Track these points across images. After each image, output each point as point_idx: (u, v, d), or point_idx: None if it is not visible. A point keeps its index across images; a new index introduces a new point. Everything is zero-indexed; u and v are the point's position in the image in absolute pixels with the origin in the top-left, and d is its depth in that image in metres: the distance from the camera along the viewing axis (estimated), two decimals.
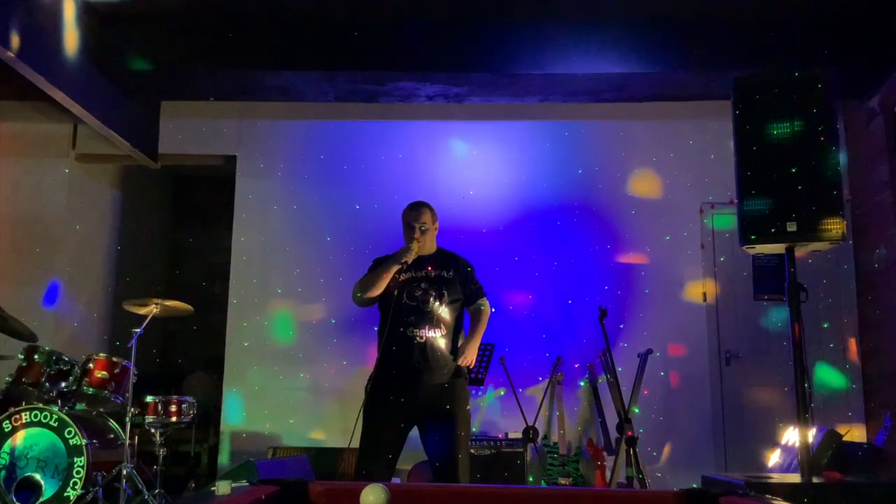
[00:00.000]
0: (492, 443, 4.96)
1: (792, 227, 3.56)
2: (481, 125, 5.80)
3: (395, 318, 3.52)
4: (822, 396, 5.24)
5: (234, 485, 2.07)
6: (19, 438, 4.07)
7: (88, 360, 4.43)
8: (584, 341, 5.30)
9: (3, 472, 4.03)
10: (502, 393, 5.37)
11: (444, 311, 3.56)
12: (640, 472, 4.22)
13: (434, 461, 3.48)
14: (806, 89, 3.65)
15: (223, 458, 5.47)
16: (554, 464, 5.09)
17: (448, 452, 3.42)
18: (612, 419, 5.06)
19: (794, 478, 3.67)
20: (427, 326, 3.51)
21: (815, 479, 3.53)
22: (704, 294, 5.54)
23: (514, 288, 5.47)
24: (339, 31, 5.10)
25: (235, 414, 5.51)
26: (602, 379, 5.31)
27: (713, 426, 5.39)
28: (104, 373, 4.38)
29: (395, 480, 3.99)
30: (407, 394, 3.46)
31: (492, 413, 5.43)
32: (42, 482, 4.02)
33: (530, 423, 4.99)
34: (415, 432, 3.54)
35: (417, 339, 3.50)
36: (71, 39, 4.69)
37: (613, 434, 5.02)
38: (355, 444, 3.49)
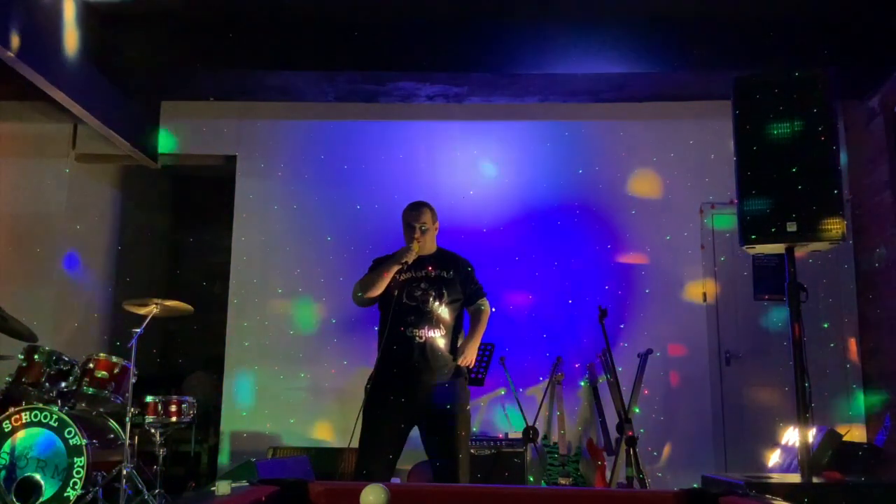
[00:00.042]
0: (492, 443, 4.96)
1: (792, 227, 3.56)
2: (481, 125, 5.80)
3: (395, 318, 3.52)
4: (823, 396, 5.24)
5: (234, 485, 2.07)
6: (19, 438, 4.07)
7: (88, 360, 4.43)
8: (584, 341, 5.30)
9: (3, 472, 4.03)
10: (502, 393, 5.37)
11: (443, 311, 3.56)
12: (640, 472, 4.23)
13: (434, 461, 3.48)
14: (806, 89, 3.65)
15: (223, 458, 5.47)
16: (554, 464, 5.09)
17: (448, 452, 3.42)
18: (612, 419, 5.06)
19: (794, 478, 3.67)
20: (427, 326, 3.51)
21: (815, 479, 3.53)
22: (704, 294, 5.54)
23: (514, 288, 5.48)
24: (339, 31, 5.10)
25: (235, 414, 5.51)
26: (602, 379, 5.31)
27: (713, 426, 5.39)
28: (104, 373, 4.38)
29: (395, 480, 4.00)
30: (407, 394, 3.47)
31: (492, 414, 5.43)
32: (42, 482, 4.02)
33: (530, 423, 4.99)
34: (415, 432, 3.54)
35: (417, 338, 3.50)
36: (71, 39, 4.69)
37: (613, 434, 5.02)
38: (355, 444, 3.49)
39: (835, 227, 3.53)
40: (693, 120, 5.67)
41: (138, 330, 4.21)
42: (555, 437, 5.24)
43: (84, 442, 4.05)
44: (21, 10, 4.18)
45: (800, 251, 3.73)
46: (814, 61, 4.61)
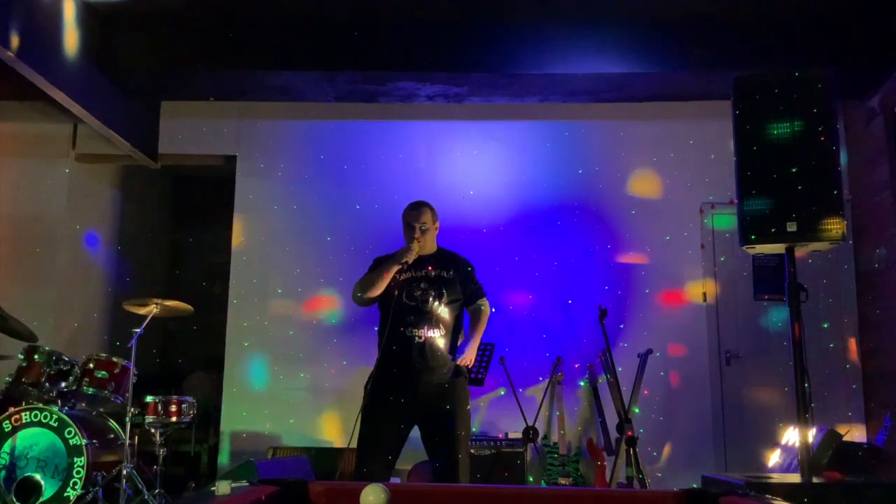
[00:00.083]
0: (492, 443, 4.96)
1: (792, 227, 3.56)
2: (481, 125, 5.80)
3: (395, 318, 3.52)
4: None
5: (234, 485, 2.07)
6: (19, 438, 4.07)
7: (88, 360, 4.43)
8: (584, 341, 5.30)
9: (3, 472, 4.03)
10: (502, 393, 5.37)
11: (443, 311, 3.56)
12: (640, 472, 4.23)
13: (434, 461, 3.48)
14: (806, 89, 3.65)
15: (223, 458, 5.47)
16: (554, 464, 5.09)
17: (448, 452, 3.41)
18: (612, 419, 5.06)
19: (794, 478, 3.67)
20: (426, 326, 3.51)
21: (815, 479, 3.53)
22: (704, 294, 5.54)
23: (514, 288, 5.48)
24: (339, 31, 5.11)
25: (235, 414, 5.51)
26: (602, 379, 5.31)
27: (713, 426, 5.38)
28: (104, 373, 4.38)
29: (395, 480, 4.00)
30: (407, 394, 3.46)
31: (492, 413, 5.43)
32: (42, 482, 4.02)
33: (530, 423, 4.99)
34: (415, 432, 3.54)
35: (417, 338, 3.49)
36: (71, 39, 4.69)
37: (613, 434, 5.02)
38: (355, 444, 3.49)
39: (835, 227, 3.53)
40: (693, 120, 5.67)
41: (138, 330, 4.21)
42: (555, 437, 5.24)
43: (84, 442, 4.05)
44: (21, 10, 4.18)
45: (800, 251, 3.73)
46: (814, 61, 4.61)
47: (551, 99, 5.59)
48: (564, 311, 5.47)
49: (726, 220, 5.49)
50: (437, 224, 3.73)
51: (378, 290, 3.56)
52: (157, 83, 5.58)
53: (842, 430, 4.74)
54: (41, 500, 3.99)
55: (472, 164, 5.75)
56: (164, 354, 7.00)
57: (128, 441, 4.10)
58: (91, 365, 4.39)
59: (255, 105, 5.85)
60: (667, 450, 5.35)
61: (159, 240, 7.42)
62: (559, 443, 5.16)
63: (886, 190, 5.09)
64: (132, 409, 4.18)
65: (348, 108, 5.77)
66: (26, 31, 4.18)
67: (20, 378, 4.28)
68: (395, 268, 3.55)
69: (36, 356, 4.31)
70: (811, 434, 3.72)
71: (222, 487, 2.02)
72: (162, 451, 4.29)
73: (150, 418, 4.29)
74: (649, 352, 5.20)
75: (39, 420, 4.08)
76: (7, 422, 4.08)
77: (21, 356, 4.34)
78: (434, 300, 3.54)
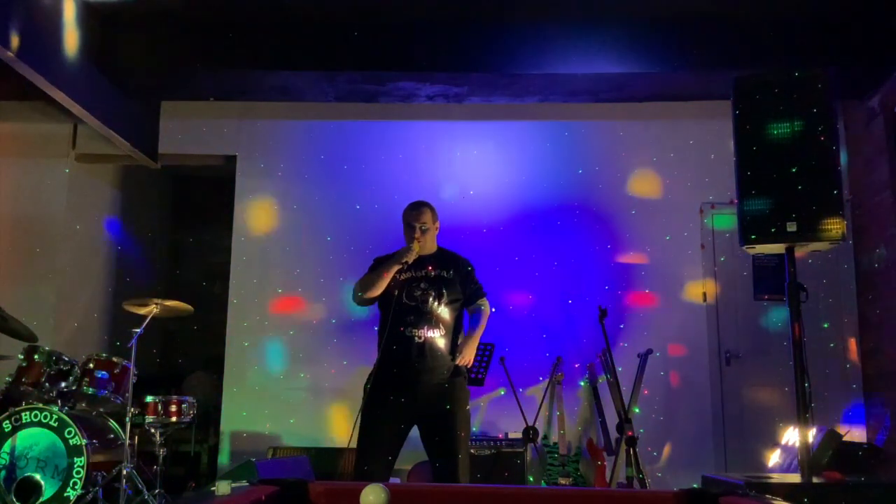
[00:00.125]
0: (492, 443, 4.96)
1: (792, 227, 3.56)
2: (481, 125, 5.80)
3: (395, 318, 3.52)
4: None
5: (234, 485, 2.07)
6: (19, 438, 4.07)
7: (88, 360, 4.43)
8: (584, 341, 5.30)
9: (3, 472, 4.03)
10: (502, 393, 5.37)
11: (443, 311, 3.56)
12: (640, 472, 4.23)
13: (434, 461, 3.48)
14: (806, 89, 3.65)
15: (223, 458, 5.47)
16: (554, 464, 5.09)
17: (448, 452, 3.41)
18: (612, 419, 5.06)
19: (794, 478, 3.67)
20: (426, 326, 3.51)
21: (815, 479, 3.53)
22: (704, 294, 5.54)
23: (514, 288, 5.48)
24: (339, 31, 5.10)
25: (235, 414, 5.51)
26: (602, 379, 5.31)
27: (713, 426, 5.38)
28: (104, 373, 4.38)
29: (395, 480, 4.00)
30: (406, 394, 3.46)
31: (492, 413, 5.43)
32: (42, 482, 4.01)
33: (530, 423, 4.99)
34: (415, 432, 3.54)
35: (417, 338, 3.49)
36: (71, 39, 4.69)
37: (613, 434, 5.02)
38: (355, 444, 3.49)
39: (835, 227, 3.53)
40: (693, 120, 5.67)
41: (138, 330, 4.21)
42: (555, 437, 5.24)
43: (84, 442, 4.05)
44: (21, 10, 4.18)
45: (800, 251, 3.73)
46: (814, 61, 4.60)
47: (551, 99, 5.59)
48: (564, 311, 5.47)
49: (726, 220, 5.49)
50: (438, 224, 3.72)
51: (378, 290, 3.56)
52: (157, 83, 5.58)
53: (842, 430, 4.74)
54: (41, 500, 3.99)
55: (472, 164, 5.75)
56: (164, 354, 7.00)
57: (128, 441, 4.10)
58: (91, 365, 4.39)
59: (255, 105, 5.85)
60: (667, 450, 5.35)
61: (159, 240, 7.42)
62: (559, 443, 5.16)
63: (886, 190, 5.10)
64: (132, 409, 4.18)
65: (348, 108, 5.77)
66: (26, 31, 4.18)
67: (20, 378, 4.27)
68: (396, 268, 3.54)
69: (36, 356, 4.30)
70: (811, 434, 3.72)
71: (222, 487, 2.02)
72: (162, 451, 4.29)
73: (150, 418, 4.30)
74: (649, 352, 5.20)
75: (39, 420, 4.08)
76: (7, 422, 4.08)
77: (21, 356, 4.34)
78: (434, 300, 3.54)
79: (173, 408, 4.33)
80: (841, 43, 4.97)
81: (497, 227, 5.60)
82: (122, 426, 4.20)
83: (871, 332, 5.30)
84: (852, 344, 5.43)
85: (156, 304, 4.35)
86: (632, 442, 4.18)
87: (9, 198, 5.71)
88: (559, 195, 5.65)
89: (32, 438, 4.08)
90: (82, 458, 4.03)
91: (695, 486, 3.65)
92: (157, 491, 4.12)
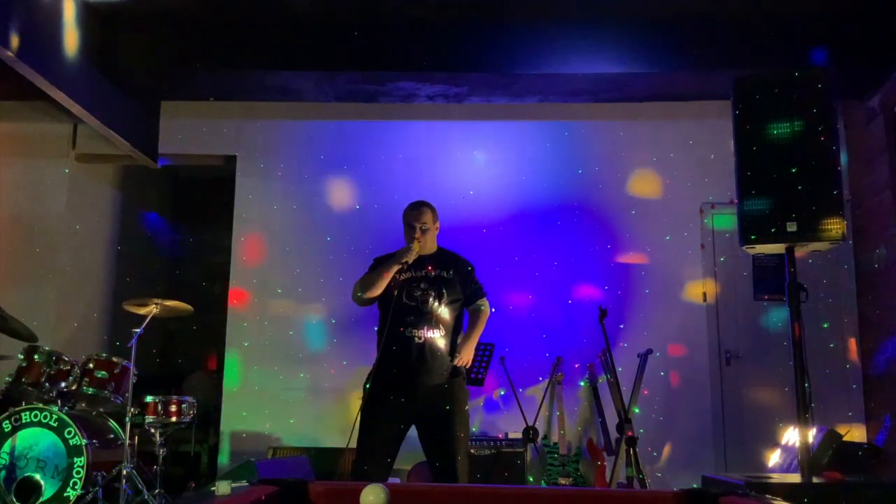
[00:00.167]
0: (492, 443, 4.96)
1: (792, 227, 3.56)
2: (481, 125, 5.80)
3: (395, 318, 3.51)
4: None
5: (234, 485, 2.07)
6: (19, 438, 4.07)
7: (88, 360, 4.43)
8: (584, 341, 5.30)
9: (3, 472, 4.03)
10: (502, 393, 5.37)
11: (443, 312, 3.55)
12: (640, 472, 4.22)
13: (433, 462, 3.47)
14: (806, 89, 3.65)
15: (223, 458, 5.47)
16: (554, 464, 5.09)
17: (447, 453, 3.41)
18: (612, 419, 5.06)
19: (794, 478, 3.67)
20: (426, 327, 3.50)
21: (815, 479, 3.53)
22: (704, 294, 5.54)
23: (514, 288, 5.47)
24: (339, 31, 5.11)
25: (235, 414, 5.51)
26: (602, 379, 5.31)
27: (713, 426, 5.38)
28: (104, 373, 4.38)
29: (395, 480, 3.99)
30: (406, 394, 3.46)
31: (492, 413, 5.43)
32: (42, 482, 4.01)
33: (530, 423, 4.99)
34: (414, 432, 3.53)
35: (416, 339, 3.48)
36: (71, 39, 4.69)
37: (613, 434, 5.02)
38: (355, 444, 3.49)
39: (835, 227, 3.53)
40: (693, 120, 5.67)
41: (138, 330, 4.21)
42: (555, 437, 5.24)
43: (84, 442, 4.05)
44: (21, 10, 4.18)
45: (800, 251, 3.73)
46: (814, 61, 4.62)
47: (551, 99, 5.59)
48: (564, 311, 5.47)
49: (726, 220, 5.49)
50: (438, 224, 3.72)
51: (378, 290, 3.56)
52: (157, 83, 5.59)
53: (842, 430, 4.74)
54: (41, 500, 3.99)
55: (472, 164, 5.75)
56: (164, 354, 7.00)
57: (128, 441, 4.10)
58: (91, 365, 4.39)
59: (255, 105, 5.85)
60: (667, 450, 5.35)
61: (159, 240, 7.42)
62: (559, 443, 5.16)
63: (886, 190, 5.09)
64: (132, 409, 4.17)
65: (348, 108, 5.78)
66: (26, 31, 4.18)
67: (20, 378, 4.28)
68: (396, 268, 3.54)
69: (36, 356, 4.31)
70: (811, 434, 3.72)
71: (222, 487, 2.02)
72: (162, 451, 4.29)
73: (150, 418, 4.29)
74: (649, 352, 5.20)
75: (39, 420, 4.08)
76: (7, 422, 4.08)
77: (21, 356, 4.34)
78: (434, 300, 3.54)
79: (173, 408, 4.32)
80: (841, 43, 4.97)
81: (497, 227, 5.60)
82: (122, 426, 4.20)
83: (871, 332, 5.30)
84: (852, 344, 5.43)
85: (156, 304, 4.35)
86: (632, 442, 4.17)
87: (9, 198, 5.71)
88: (559, 195, 5.65)
89: (32, 438, 4.08)
90: (82, 458, 4.03)
91: (695, 486, 3.65)
92: (157, 491, 4.12)
